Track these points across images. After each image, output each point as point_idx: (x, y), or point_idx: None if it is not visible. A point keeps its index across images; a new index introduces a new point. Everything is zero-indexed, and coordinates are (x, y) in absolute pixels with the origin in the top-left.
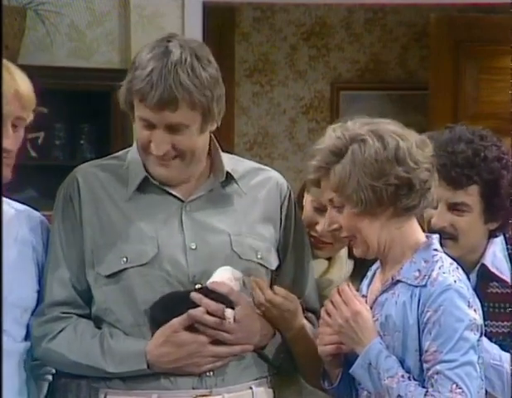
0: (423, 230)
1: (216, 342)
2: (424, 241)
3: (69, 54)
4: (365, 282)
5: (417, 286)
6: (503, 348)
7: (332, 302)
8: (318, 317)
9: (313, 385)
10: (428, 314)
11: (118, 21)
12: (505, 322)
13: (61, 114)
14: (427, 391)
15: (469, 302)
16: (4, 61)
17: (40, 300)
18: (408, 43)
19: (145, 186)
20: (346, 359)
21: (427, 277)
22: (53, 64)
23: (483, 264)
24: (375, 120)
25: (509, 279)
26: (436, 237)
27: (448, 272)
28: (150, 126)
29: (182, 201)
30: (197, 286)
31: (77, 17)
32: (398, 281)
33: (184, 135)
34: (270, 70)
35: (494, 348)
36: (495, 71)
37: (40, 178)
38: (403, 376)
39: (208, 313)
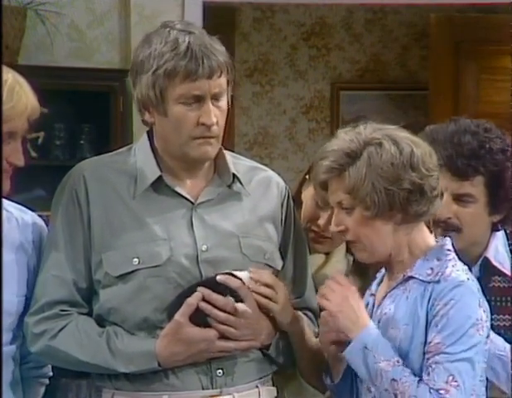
0: (429, 223)
1: (224, 336)
2: (436, 244)
3: (69, 54)
4: (376, 281)
5: (429, 282)
6: (505, 341)
7: (328, 286)
8: (317, 315)
9: (310, 384)
10: (438, 307)
11: (118, 21)
12: (507, 316)
13: (61, 114)
14: (421, 379)
15: (479, 301)
16: (15, 75)
17: (34, 298)
18: (408, 43)
19: (155, 185)
20: None
21: (440, 273)
22: (53, 64)
23: (486, 258)
24: (385, 126)
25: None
26: (448, 239)
27: (462, 270)
28: (197, 101)
29: (191, 203)
30: (204, 277)
31: (77, 17)
32: (410, 277)
33: (223, 102)
34: (270, 70)
35: (499, 339)
36: (495, 71)
37: (39, 178)
38: (398, 361)
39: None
